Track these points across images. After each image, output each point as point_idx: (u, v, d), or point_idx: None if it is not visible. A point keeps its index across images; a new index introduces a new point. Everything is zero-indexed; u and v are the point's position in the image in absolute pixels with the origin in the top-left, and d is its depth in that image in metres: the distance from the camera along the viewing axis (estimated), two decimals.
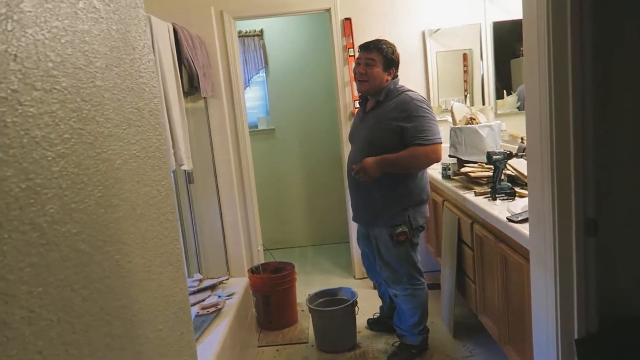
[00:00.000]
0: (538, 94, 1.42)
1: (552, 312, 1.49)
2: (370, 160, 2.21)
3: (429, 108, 2.26)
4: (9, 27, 0.44)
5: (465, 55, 3.65)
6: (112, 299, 0.59)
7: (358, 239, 2.64)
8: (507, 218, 1.91)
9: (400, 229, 2.26)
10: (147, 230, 0.72)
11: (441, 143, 2.26)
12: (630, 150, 1.40)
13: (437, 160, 2.29)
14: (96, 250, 0.56)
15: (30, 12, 0.47)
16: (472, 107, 3.00)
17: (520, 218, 1.86)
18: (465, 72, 3.71)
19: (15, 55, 0.44)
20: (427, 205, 2.42)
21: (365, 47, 2.33)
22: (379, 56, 2.28)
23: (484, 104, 3.37)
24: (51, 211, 0.48)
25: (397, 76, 2.38)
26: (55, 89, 0.51)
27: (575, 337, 1.46)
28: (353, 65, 3.23)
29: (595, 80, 1.33)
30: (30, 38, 0.47)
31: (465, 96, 3.62)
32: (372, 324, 2.78)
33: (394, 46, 2.36)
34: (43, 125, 0.48)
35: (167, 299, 0.77)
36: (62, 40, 0.53)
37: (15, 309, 0.42)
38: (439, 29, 3.39)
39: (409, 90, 2.32)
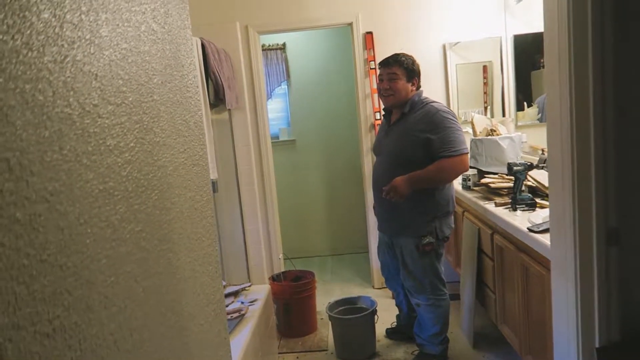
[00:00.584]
0: (559, 105, 1.46)
1: (573, 321, 1.51)
2: (399, 179, 2.24)
3: (454, 119, 2.29)
4: (92, 50, 0.51)
5: (485, 68, 3.68)
6: (165, 292, 0.65)
7: (379, 248, 2.66)
8: (528, 228, 1.94)
9: (427, 240, 2.29)
10: (192, 232, 0.78)
11: (467, 153, 2.29)
12: None
13: (465, 170, 2.32)
14: (153, 247, 0.63)
15: (106, 36, 0.54)
16: (492, 119, 3.03)
17: (541, 228, 1.88)
18: (485, 84, 3.74)
19: (96, 75, 0.51)
20: (453, 216, 2.45)
21: (385, 62, 2.38)
22: (400, 69, 2.33)
23: (504, 115, 3.39)
24: (121, 211, 0.54)
25: (420, 87, 2.43)
26: (124, 103, 0.57)
27: (597, 346, 1.48)
28: (374, 77, 3.31)
29: (615, 90, 1.37)
30: (106, 59, 0.54)
31: (486, 108, 3.65)
32: (390, 333, 2.80)
33: (413, 57, 2.41)
34: (115, 135, 0.55)
35: (208, 296, 0.83)
36: (129, 60, 0.60)
37: (94, 294, 0.48)
38: (458, 42, 3.44)
39: (434, 102, 2.35)
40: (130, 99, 0.59)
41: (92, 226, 0.48)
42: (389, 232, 2.47)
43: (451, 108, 3.49)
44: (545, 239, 1.79)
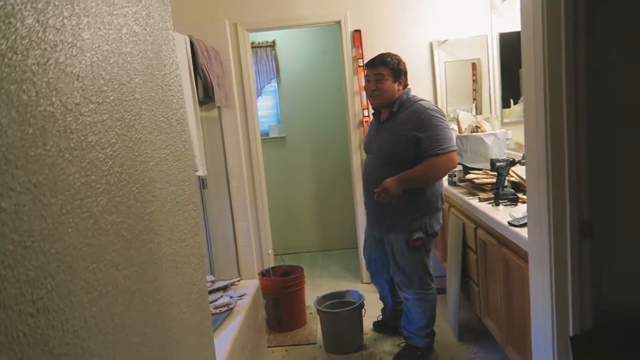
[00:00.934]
0: (534, 102, 1.51)
1: (548, 311, 1.57)
2: (389, 181, 2.28)
3: (442, 117, 2.33)
4: (74, 53, 0.54)
5: (474, 65, 3.72)
6: (146, 280, 0.69)
7: (366, 243, 2.71)
8: (508, 222, 1.99)
9: (417, 235, 2.34)
10: (174, 224, 0.82)
11: (455, 150, 2.34)
12: (624, 153, 1.47)
13: (454, 167, 2.37)
14: (135, 238, 0.66)
15: (88, 39, 0.58)
16: (477, 116, 3.08)
17: (521, 222, 1.94)
18: (474, 81, 3.79)
19: (78, 75, 0.55)
20: (442, 212, 2.50)
21: (371, 63, 2.42)
22: (386, 69, 2.37)
23: (492, 112, 3.45)
24: (102, 202, 0.58)
25: (407, 85, 2.47)
26: (105, 101, 0.61)
27: (571, 335, 1.53)
28: (362, 75, 3.35)
29: (589, 87, 1.42)
30: (88, 61, 0.57)
31: (475, 105, 3.69)
32: (377, 326, 2.85)
33: (399, 56, 2.44)
34: (97, 132, 0.58)
35: (190, 286, 0.87)
36: (111, 61, 0.63)
37: (76, 279, 0.51)
38: (446, 40, 3.49)
39: (422, 100, 2.39)
40: (112, 97, 0.63)
41: (74, 216, 0.52)
42: (380, 228, 2.50)
43: (439, 105, 3.55)
44: (524, 232, 1.84)
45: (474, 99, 3.73)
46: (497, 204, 2.31)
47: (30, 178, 0.44)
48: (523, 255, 1.88)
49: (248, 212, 3.42)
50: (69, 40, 0.54)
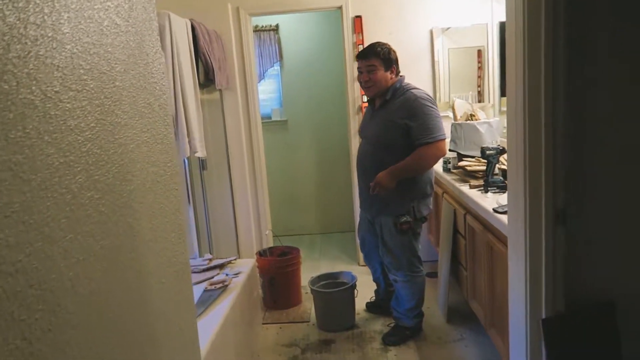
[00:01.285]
0: (514, 97, 1.56)
1: (522, 294, 1.63)
2: (382, 175, 2.35)
3: (432, 105, 2.38)
4: (54, 45, 0.61)
5: (480, 52, 3.73)
6: (124, 251, 0.77)
7: (360, 225, 2.79)
8: (493, 209, 2.05)
9: (405, 219, 2.41)
10: (155, 202, 0.89)
11: (444, 139, 2.39)
12: (599, 146, 1.52)
13: (442, 155, 2.43)
14: (113, 212, 0.74)
15: (68, 32, 0.64)
16: (473, 104, 3.12)
17: (505, 209, 1.99)
18: (479, 68, 3.80)
19: (58, 66, 0.61)
20: (432, 198, 2.56)
21: (363, 55, 2.45)
22: (377, 60, 2.41)
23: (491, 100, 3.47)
24: (80, 180, 0.65)
25: (399, 73, 2.51)
26: (85, 89, 0.68)
27: (543, 317, 1.60)
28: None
29: (566, 81, 1.46)
30: (68, 52, 0.64)
31: (479, 92, 3.70)
32: (370, 306, 2.94)
33: (389, 45, 2.48)
34: (76, 117, 0.65)
35: (170, 259, 0.95)
36: (91, 52, 0.70)
37: (54, 247, 0.59)
38: (449, 28, 3.50)
39: (415, 88, 2.43)
40: (92, 85, 0.70)
41: (53, 192, 0.59)
42: (371, 211, 2.58)
43: (439, 92, 3.59)
44: (506, 219, 1.89)
45: (479, 86, 3.75)
46: (486, 191, 2.37)
47: (10, 157, 0.51)
48: (505, 241, 1.94)
49: (248, 194, 3.50)
50: (49, 35, 0.60)
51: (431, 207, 2.55)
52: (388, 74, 2.42)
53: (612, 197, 1.54)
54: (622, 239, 1.56)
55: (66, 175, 0.62)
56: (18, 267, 0.52)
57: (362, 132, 2.64)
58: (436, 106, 2.41)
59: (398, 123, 2.36)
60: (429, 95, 2.43)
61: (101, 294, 0.69)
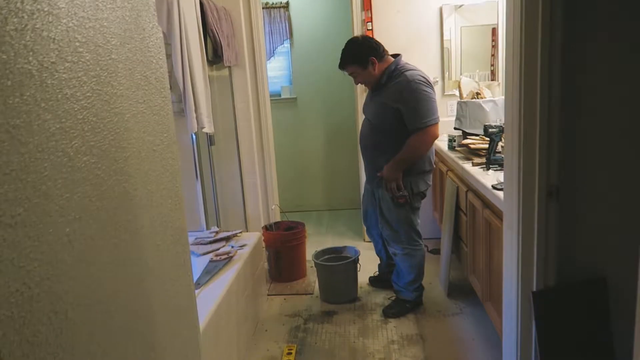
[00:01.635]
0: (512, 77, 1.58)
1: (515, 268, 1.68)
2: (385, 170, 2.45)
3: (426, 88, 2.38)
4: (50, 19, 0.66)
5: (494, 30, 3.68)
6: (120, 213, 0.83)
7: (364, 197, 2.88)
8: (492, 186, 2.08)
9: (401, 193, 2.46)
10: (150, 169, 0.95)
11: (436, 123, 2.41)
12: (593, 125, 1.54)
13: (435, 138, 2.46)
14: (109, 176, 0.79)
15: (64, 7, 0.69)
16: (480, 82, 3.11)
17: (503, 186, 2.02)
18: (493, 47, 3.77)
19: (54, 39, 0.66)
20: (431, 174, 2.60)
21: (340, 66, 2.52)
22: (352, 66, 2.47)
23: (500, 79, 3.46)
24: (76, 145, 0.71)
25: (384, 57, 2.48)
26: (81, 61, 0.73)
27: (534, 290, 1.64)
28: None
29: (563, 63, 1.48)
30: (63, 26, 0.69)
31: (492, 71, 3.67)
32: (373, 281, 3.01)
33: (358, 38, 2.53)
34: (72, 86, 0.70)
35: (166, 223, 1.01)
36: (87, 26, 0.75)
37: (51, 204, 0.65)
38: (462, 5, 3.47)
39: (410, 69, 2.43)
40: (87, 57, 0.75)
41: (49, 154, 0.65)
42: (372, 183, 2.66)
43: (449, 71, 3.58)
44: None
45: (492, 65, 3.71)
46: (488, 169, 2.39)
47: (8, 121, 0.57)
48: (502, 217, 1.97)
49: (256, 170, 3.56)
50: (45, 9, 0.65)
51: (430, 182, 2.60)
52: (370, 68, 2.44)
53: (605, 174, 1.56)
54: (614, 216, 1.59)
55: (62, 139, 0.67)
56: (17, 219, 0.58)
57: (364, 110, 2.69)
58: (431, 87, 2.42)
59: (391, 107, 2.40)
60: (423, 77, 2.42)
61: (97, 250, 0.75)
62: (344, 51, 2.48)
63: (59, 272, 0.65)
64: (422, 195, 2.56)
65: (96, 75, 0.77)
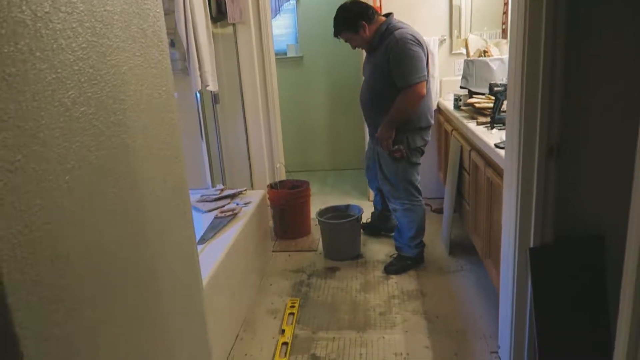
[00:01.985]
0: (516, 34, 1.56)
1: (513, 225, 1.70)
2: (380, 132, 2.52)
3: (413, 47, 2.38)
4: None
5: None
6: (119, 164, 0.85)
7: (367, 151, 2.99)
8: (494, 144, 2.08)
9: (396, 147, 2.53)
10: (149, 121, 0.97)
11: (422, 81, 2.42)
12: (595, 83, 1.52)
13: (421, 96, 2.46)
14: (107, 127, 0.81)
15: None
16: (488, 40, 3.06)
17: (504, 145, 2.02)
18: (505, 4, 3.67)
19: None
20: (428, 131, 2.63)
21: (335, 35, 2.60)
22: (344, 32, 2.53)
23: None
24: (72, 95, 0.72)
25: (374, 18, 2.49)
26: (75, 11, 0.73)
27: (531, 246, 1.67)
28: None
29: (568, 21, 1.45)
30: None
31: (503, 30, 3.58)
32: (364, 228, 3.13)
33: (346, 4, 2.52)
34: (67, 37, 0.71)
35: (165, 176, 1.03)
36: None
37: (49, 152, 0.67)
38: None
39: (399, 29, 2.44)
40: (81, 8, 0.75)
41: (46, 104, 0.66)
42: (373, 139, 2.73)
43: (457, 30, 3.50)
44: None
45: (503, 23, 3.62)
46: (492, 128, 2.39)
47: (4, 69, 0.59)
48: (503, 175, 1.99)
49: (261, 128, 3.56)
50: None
51: (427, 139, 2.64)
52: (361, 32, 2.48)
53: (606, 133, 1.56)
54: (613, 174, 1.59)
55: (59, 89, 0.69)
56: (17, 165, 0.60)
57: (362, 72, 2.77)
58: (420, 46, 2.42)
59: (383, 69, 2.45)
60: (412, 35, 2.42)
61: (95, 195, 0.78)
62: (334, 19, 2.55)
63: (60, 217, 0.68)
64: (420, 151, 2.61)
65: (91, 26, 0.78)
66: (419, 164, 2.63)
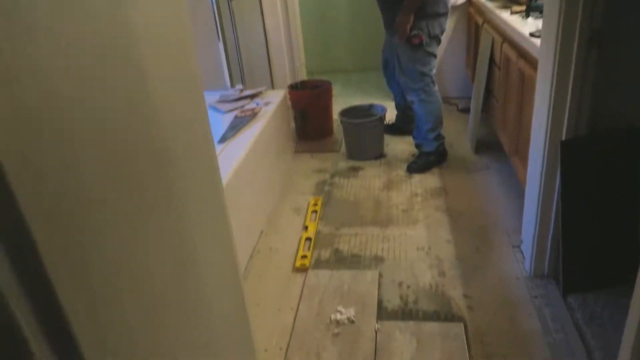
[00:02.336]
0: None
1: (545, 116, 1.62)
2: (398, 21, 2.46)
3: None
4: None
5: None
6: (120, 47, 0.79)
7: (384, 46, 2.92)
8: (530, 33, 1.94)
9: (414, 32, 2.46)
10: (160, 30, 0.89)
11: None
12: None
13: None
14: (104, 8, 0.75)
15: None
16: None
17: (541, 33, 1.87)
18: None
19: None
20: (446, 18, 2.55)
21: None
22: None
23: None
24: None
25: None
26: None
27: (562, 139, 1.60)
28: None
29: None
30: None
31: None
32: (388, 128, 3.06)
33: None
34: None
35: (185, 115, 0.98)
36: None
37: (60, 85, 0.62)
38: None
39: None
40: None
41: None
42: (390, 31, 2.66)
43: None
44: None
45: None
46: (527, 16, 2.21)
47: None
48: (536, 67, 1.86)
49: (280, 26, 3.39)
50: None
51: (444, 27, 2.57)
52: None
53: None
54: None
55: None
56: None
57: None
58: None
59: None
60: None
61: (108, 129, 0.73)
62: None
63: (60, 106, 0.65)
64: (437, 40, 2.56)
65: None
66: (435, 56, 2.59)
